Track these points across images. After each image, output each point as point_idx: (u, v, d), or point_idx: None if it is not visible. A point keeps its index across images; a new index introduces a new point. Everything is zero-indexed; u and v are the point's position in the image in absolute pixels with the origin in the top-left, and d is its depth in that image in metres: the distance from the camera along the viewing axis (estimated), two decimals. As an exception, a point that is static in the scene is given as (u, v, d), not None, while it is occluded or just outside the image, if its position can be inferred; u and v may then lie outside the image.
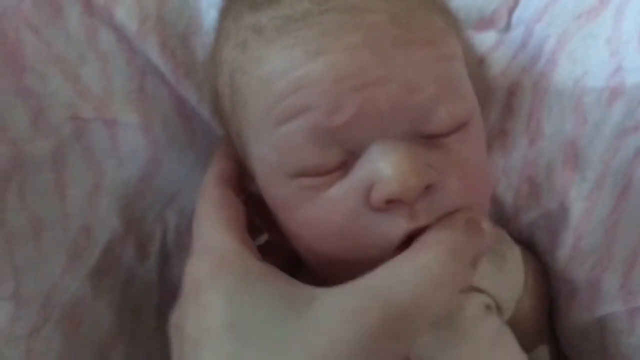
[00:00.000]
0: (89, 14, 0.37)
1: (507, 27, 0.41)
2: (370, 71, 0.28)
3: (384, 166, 0.28)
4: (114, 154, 0.38)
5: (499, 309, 0.38)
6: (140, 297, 0.41)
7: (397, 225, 0.29)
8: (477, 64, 0.40)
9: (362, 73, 0.28)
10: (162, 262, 0.42)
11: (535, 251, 0.41)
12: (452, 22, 0.34)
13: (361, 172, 0.29)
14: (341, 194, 0.29)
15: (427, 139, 0.30)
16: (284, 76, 0.29)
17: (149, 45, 0.37)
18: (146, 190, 0.39)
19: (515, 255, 0.39)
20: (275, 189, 0.32)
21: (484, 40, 0.40)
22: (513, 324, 0.38)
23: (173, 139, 0.39)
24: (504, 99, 0.40)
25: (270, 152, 0.31)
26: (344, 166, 0.30)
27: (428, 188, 0.29)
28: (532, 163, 0.39)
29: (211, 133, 0.40)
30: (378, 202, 0.28)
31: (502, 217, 0.42)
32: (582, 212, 0.36)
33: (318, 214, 0.30)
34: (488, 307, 0.36)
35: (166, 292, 0.42)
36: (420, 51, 0.29)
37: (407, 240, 0.29)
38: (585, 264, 0.37)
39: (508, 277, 0.38)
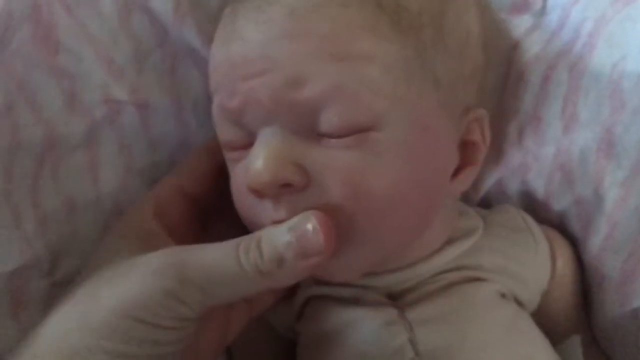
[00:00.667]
0: None
1: (543, 10, 0.40)
2: (255, 63, 0.30)
3: (250, 158, 0.30)
4: (145, 136, 0.38)
5: (518, 301, 0.37)
6: None
7: (265, 213, 0.31)
8: (510, 48, 0.40)
9: (249, 64, 0.30)
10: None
11: (566, 240, 0.40)
12: (406, 21, 0.31)
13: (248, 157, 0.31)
14: (239, 171, 0.33)
15: (320, 136, 0.30)
16: (211, 56, 0.33)
17: (186, 28, 0.38)
18: None
19: (541, 249, 0.38)
20: None
21: (519, 24, 0.40)
22: (541, 316, 0.38)
23: (203, 124, 0.39)
24: (539, 84, 0.39)
25: None
26: (247, 143, 0.32)
27: (289, 187, 0.29)
28: (566, 150, 0.38)
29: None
30: (249, 190, 0.30)
31: (532, 205, 0.42)
32: (617, 200, 0.35)
33: (232, 183, 0.34)
34: (503, 295, 0.36)
35: None
36: (311, 46, 0.29)
37: None
38: (619, 254, 0.36)
39: (529, 272, 0.38)
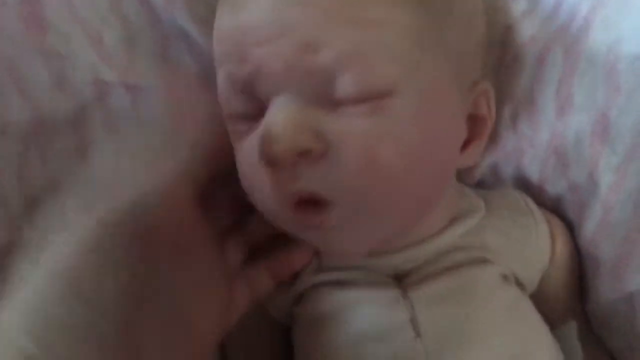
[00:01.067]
0: None
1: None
2: (267, 28, 0.28)
3: (265, 125, 0.29)
4: (135, 119, 0.38)
5: (519, 283, 0.37)
6: None
7: (281, 185, 0.29)
8: (505, 29, 0.39)
9: (260, 30, 0.29)
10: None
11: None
12: None
13: (260, 126, 0.30)
14: (248, 144, 0.31)
15: (336, 104, 0.29)
16: (217, 27, 0.32)
17: (177, 11, 0.37)
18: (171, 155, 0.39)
19: (541, 230, 0.38)
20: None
21: (514, 5, 0.39)
22: (539, 299, 0.37)
23: (194, 107, 0.39)
24: (534, 66, 0.38)
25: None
26: (260, 115, 0.30)
27: (306, 155, 0.28)
28: (560, 134, 0.38)
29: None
30: (261, 162, 0.29)
31: (527, 190, 0.41)
32: (612, 185, 0.35)
33: (239, 159, 0.32)
34: (505, 277, 0.36)
35: None
36: (325, 11, 0.28)
37: (302, 201, 0.29)
38: (614, 238, 0.36)
39: (530, 252, 0.37)
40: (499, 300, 0.34)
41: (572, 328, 0.39)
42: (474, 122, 0.35)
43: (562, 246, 0.39)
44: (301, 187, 0.29)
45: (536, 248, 0.38)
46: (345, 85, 0.28)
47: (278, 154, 0.28)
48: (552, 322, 0.37)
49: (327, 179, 0.28)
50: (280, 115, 0.28)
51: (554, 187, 0.39)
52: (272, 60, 0.28)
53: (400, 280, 0.35)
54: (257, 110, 0.30)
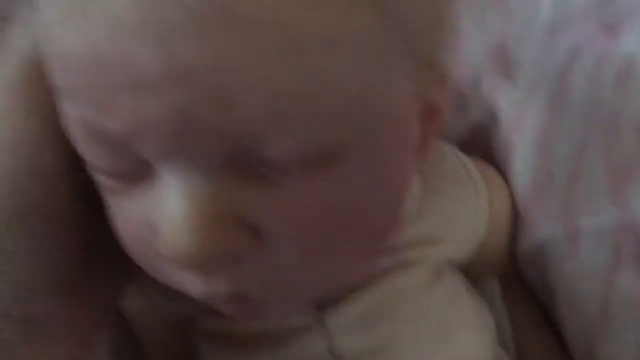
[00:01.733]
0: None
1: None
2: (150, 66, 0.17)
3: (163, 217, 0.19)
4: None
5: (453, 264, 0.33)
6: None
7: (195, 285, 0.21)
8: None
9: (140, 67, 0.17)
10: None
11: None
12: None
13: (149, 205, 0.20)
14: (134, 211, 0.21)
15: (258, 171, 0.19)
16: (55, 39, 0.20)
17: None
18: None
19: (481, 196, 0.34)
20: None
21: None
22: (475, 263, 0.35)
23: None
24: None
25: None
26: (141, 173, 0.20)
27: (238, 253, 0.20)
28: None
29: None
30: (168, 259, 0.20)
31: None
32: (513, 123, 0.32)
33: (119, 222, 0.22)
34: (437, 272, 0.32)
35: None
36: (246, 39, 0.17)
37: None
38: (525, 182, 0.33)
39: (469, 228, 0.34)
40: (427, 307, 0.30)
41: (493, 283, 0.37)
42: (427, 113, 0.24)
43: (500, 208, 0.35)
44: (219, 289, 0.21)
45: (475, 221, 0.34)
46: (278, 147, 0.18)
47: (193, 261, 0.19)
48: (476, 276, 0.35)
49: (265, 277, 0.21)
50: (185, 202, 0.19)
51: (454, 130, 0.36)
52: (162, 116, 0.18)
53: (319, 305, 0.29)
54: (137, 169, 0.20)
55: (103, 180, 0.22)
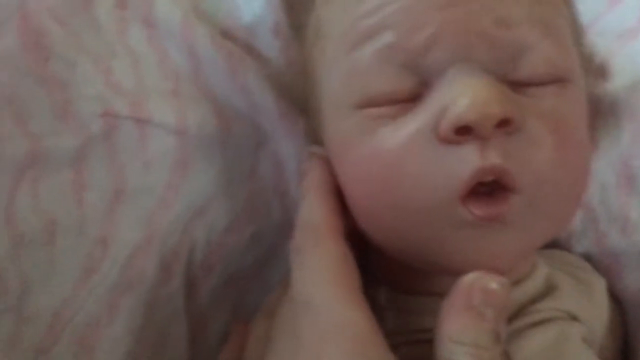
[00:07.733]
0: (121, 7, 0.35)
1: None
2: None
3: (459, 89, 0.25)
4: (140, 156, 0.35)
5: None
6: (164, 324, 0.35)
7: (465, 161, 0.25)
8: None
9: None
10: (188, 285, 0.36)
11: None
12: None
13: (433, 99, 0.26)
14: (408, 123, 0.26)
15: (515, 84, 0.27)
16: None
17: (199, 36, 0.35)
18: (172, 199, 0.35)
19: (601, 286, 0.34)
20: (337, 124, 0.29)
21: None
22: None
23: (204, 142, 0.36)
24: None
25: (339, 82, 0.29)
26: (417, 97, 0.27)
27: (506, 125, 0.25)
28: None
29: (247, 139, 0.37)
30: (447, 131, 0.25)
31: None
32: None
33: (375, 148, 0.27)
34: (585, 340, 0.31)
35: (195, 322, 0.37)
36: None
37: (472, 191, 0.25)
38: None
39: (596, 310, 0.33)
40: None
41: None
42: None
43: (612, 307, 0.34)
44: (492, 160, 0.25)
45: (599, 306, 0.33)
46: (532, 64, 0.27)
47: (477, 119, 0.24)
48: None
49: (520, 157, 0.25)
50: (472, 79, 0.26)
51: (581, 244, 0.36)
52: (459, 24, 0.26)
53: None
54: (412, 89, 0.27)
55: (372, 112, 0.27)
